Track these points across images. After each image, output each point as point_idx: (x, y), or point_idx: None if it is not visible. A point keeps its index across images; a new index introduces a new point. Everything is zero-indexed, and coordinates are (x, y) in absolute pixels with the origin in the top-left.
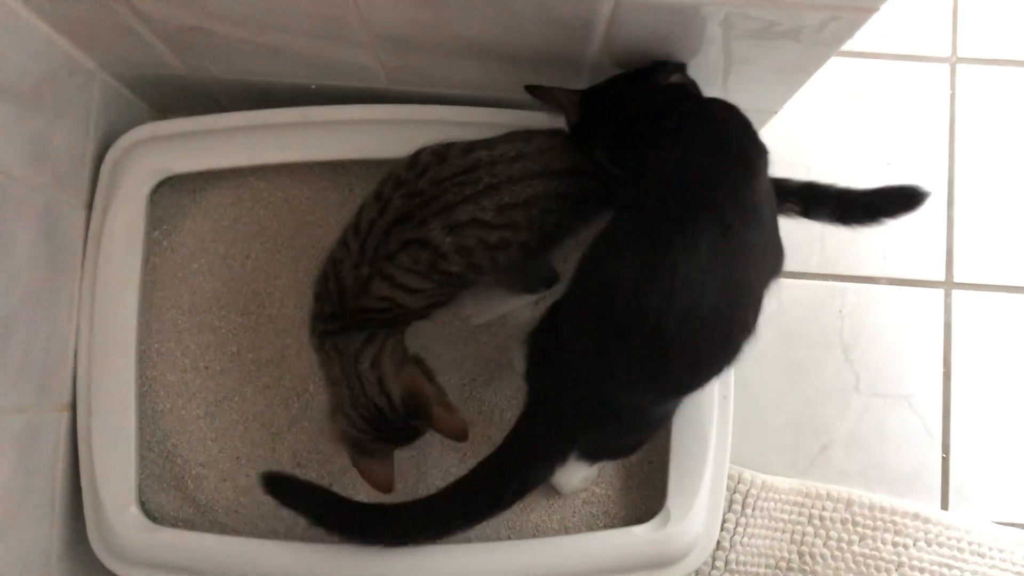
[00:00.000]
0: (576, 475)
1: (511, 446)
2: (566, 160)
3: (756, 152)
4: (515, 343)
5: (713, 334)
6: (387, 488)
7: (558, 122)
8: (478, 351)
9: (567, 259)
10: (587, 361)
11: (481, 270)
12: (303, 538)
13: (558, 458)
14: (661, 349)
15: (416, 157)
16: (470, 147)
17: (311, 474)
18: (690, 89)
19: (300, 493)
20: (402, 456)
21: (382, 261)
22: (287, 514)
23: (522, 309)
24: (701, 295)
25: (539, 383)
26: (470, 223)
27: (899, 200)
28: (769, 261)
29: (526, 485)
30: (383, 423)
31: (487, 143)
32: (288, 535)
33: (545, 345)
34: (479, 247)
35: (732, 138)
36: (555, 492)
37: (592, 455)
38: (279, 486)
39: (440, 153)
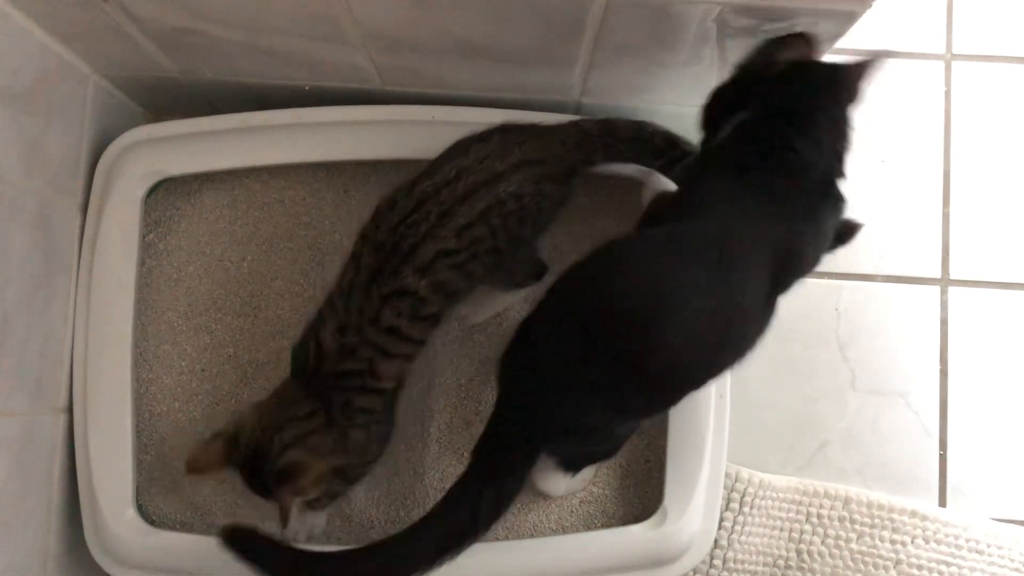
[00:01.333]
0: (561, 483)
1: (476, 464)
2: (508, 158)
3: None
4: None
5: (692, 363)
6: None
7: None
8: (474, 351)
9: (558, 248)
10: (555, 373)
11: (459, 295)
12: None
13: (522, 470)
14: (637, 370)
15: (375, 210)
16: (413, 182)
17: None
18: None
19: (267, 554)
20: (399, 457)
21: (368, 326)
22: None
23: (521, 306)
24: (693, 322)
25: (505, 388)
26: (436, 257)
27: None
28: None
29: (500, 499)
30: (253, 464)
31: (428, 171)
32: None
33: (515, 352)
34: (451, 275)
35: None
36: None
37: (569, 464)
38: (240, 543)
39: (390, 199)
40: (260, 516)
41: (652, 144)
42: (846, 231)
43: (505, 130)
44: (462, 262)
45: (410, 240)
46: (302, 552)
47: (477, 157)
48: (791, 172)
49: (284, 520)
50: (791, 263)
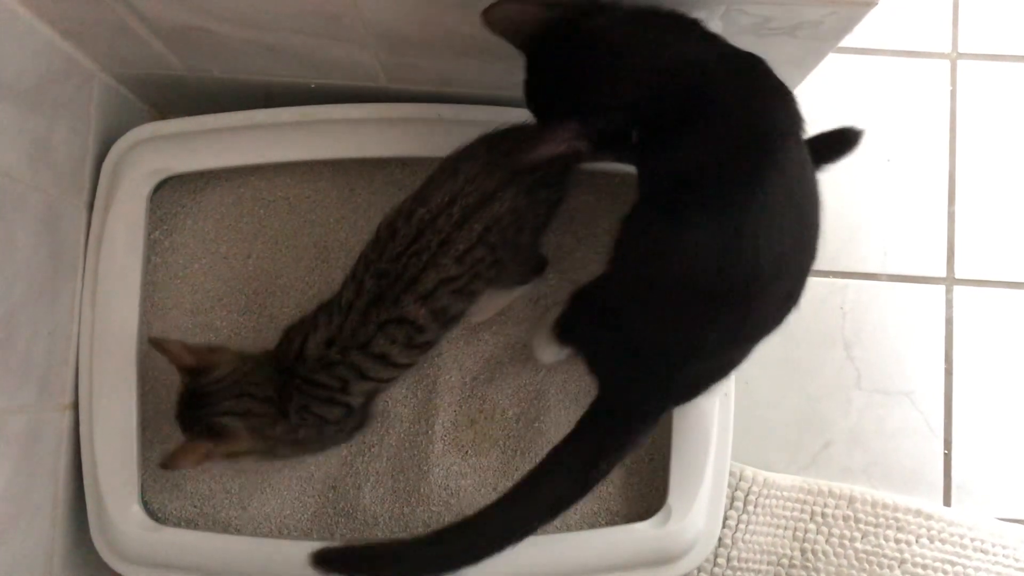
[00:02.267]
0: None
1: (593, 432)
2: (497, 174)
3: (796, 108)
4: (538, 331)
5: (787, 281)
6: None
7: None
8: (479, 349)
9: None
10: (672, 333)
11: (457, 319)
12: (305, 537)
13: (645, 434)
14: (748, 304)
15: (376, 234)
16: (411, 209)
17: (318, 471)
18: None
19: (357, 559)
20: (404, 455)
21: (355, 350)
22: (290, 513)
23: (524, 304)
24: (780, 246)
25: (612, 367)
26: (438, 286)
27: (836, 144)
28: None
29: (611, 466)
30: (196, 401)
31: (420, 197)
32: (290, 534)
33: (598, 330)
34: (453, 299)
35: (782, 94)
36: None
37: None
38: (329, 561)
39: (391, 225)
40: (264, 514)
41: None
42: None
43: (490, 142)
44: (463, 286)
45: (411, 271)
46: (400, 542)
47: (467, 178)
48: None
49: (171, 462)
50: None
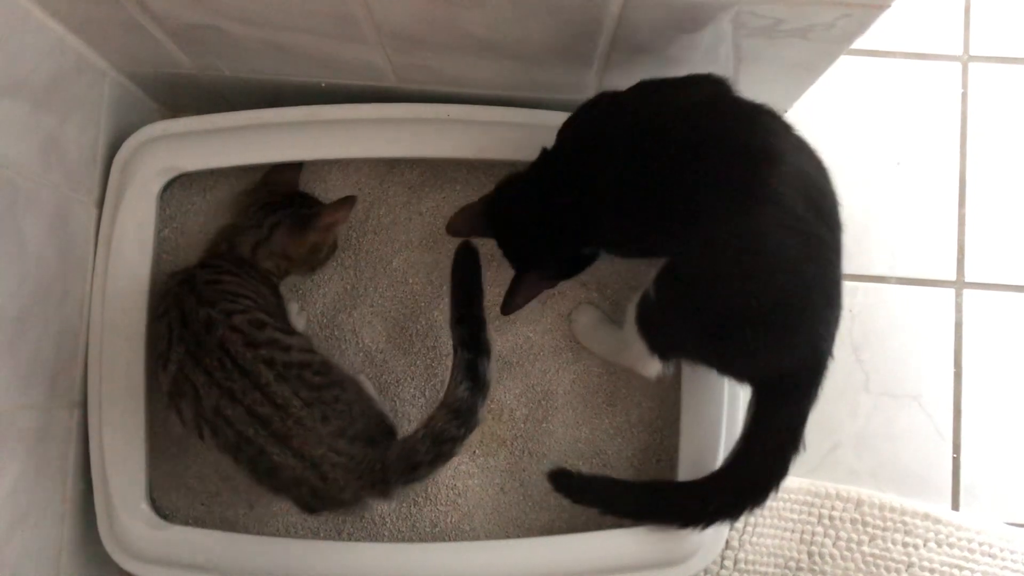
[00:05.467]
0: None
1: (780, 419)
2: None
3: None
4: (629, 353)
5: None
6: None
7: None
8: None
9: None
10: (802, 326)
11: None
12: (312, 536)
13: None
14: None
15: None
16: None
17: None
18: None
19: (587, 487)
20: None
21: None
22: (297, 512)
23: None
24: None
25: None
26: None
27: None
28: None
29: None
30: None
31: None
32: (297, 533)
33: (723, 344)
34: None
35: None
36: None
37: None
38: (565, 482)
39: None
40: (271, 512)
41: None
42: None
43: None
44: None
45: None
46: (626, 483)
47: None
48: None
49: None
50: None
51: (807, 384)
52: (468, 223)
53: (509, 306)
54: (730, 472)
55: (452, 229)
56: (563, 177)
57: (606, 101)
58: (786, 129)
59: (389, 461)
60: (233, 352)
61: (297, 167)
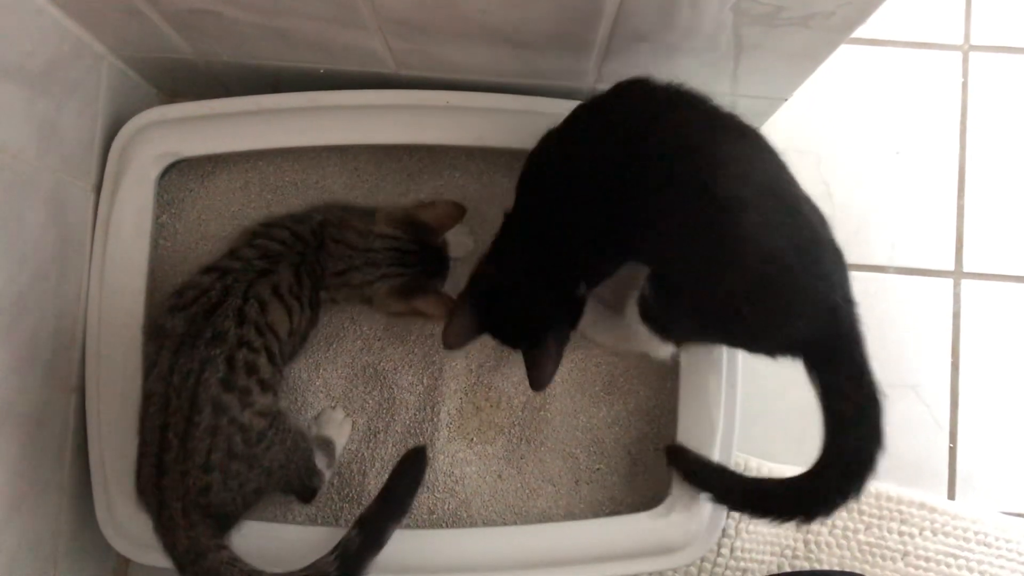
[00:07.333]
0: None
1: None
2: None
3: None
4: (636, 339)
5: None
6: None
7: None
8: (485, 337)
9: None
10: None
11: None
12: (310, 522)
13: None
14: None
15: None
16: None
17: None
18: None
19: (701, 471)
20: (409, 442)
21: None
22: (293, 498)
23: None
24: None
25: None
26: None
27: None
28: None
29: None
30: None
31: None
32: (295, 519)
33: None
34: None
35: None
36: (560, 479)
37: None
38: (681, 460)
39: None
40: (268, 498)
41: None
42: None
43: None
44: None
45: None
46: (737, 476)
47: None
48: None
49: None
50: None
51: (844, 339)
52: (462, 332)
53: (540, 381)
54: (832, 456)
55: (451, 344)
56: (533, 229)
57: (550, 141)
58: (712, 113)
59: None
60: (205, 376)
61: (460, 214)
